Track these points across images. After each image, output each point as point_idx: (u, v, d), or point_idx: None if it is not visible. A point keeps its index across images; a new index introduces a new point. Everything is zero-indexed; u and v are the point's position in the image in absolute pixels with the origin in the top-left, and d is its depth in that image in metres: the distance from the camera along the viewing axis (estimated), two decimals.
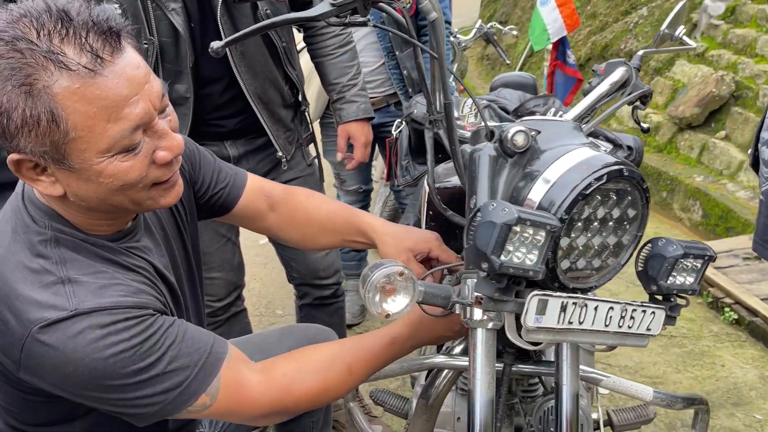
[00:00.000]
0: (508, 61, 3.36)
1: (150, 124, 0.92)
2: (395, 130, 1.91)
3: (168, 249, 1.19)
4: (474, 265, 0.90)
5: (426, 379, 1.34)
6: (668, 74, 5.18)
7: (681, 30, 1.44)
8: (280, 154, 1.87)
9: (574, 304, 0.95)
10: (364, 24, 1.03)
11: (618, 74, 1.29)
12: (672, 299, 1.06)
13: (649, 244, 1.06)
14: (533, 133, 1.03)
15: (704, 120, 4.57)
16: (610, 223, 1.00)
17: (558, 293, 0.93)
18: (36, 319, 0.90)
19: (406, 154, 2.03)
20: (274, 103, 1.83)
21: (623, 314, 1.01)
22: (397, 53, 2.50)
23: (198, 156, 1.29)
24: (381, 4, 1.00)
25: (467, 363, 1.23)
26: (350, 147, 2.07)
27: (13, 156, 0.89)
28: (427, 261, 1.30)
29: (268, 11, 1.71)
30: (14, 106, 0.83)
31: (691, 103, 4.61)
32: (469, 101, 1.96)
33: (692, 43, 1.43)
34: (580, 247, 0.99)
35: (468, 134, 1.81)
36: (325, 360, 1.11)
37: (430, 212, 1.35)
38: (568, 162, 0.97)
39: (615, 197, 0.98)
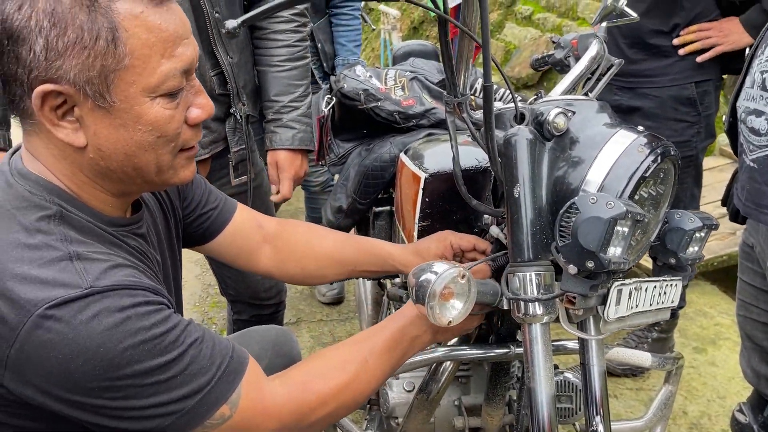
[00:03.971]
0: (374, 27, 3.29)
1: (191, 73, 0.86)
2: (326, 107, 1.77)
3: (161, 255, 1.02)
4: (575, 263, 0.85)
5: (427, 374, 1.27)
6: (500, 36, 5.47)
7: (622, 2, 1.48)
8: None
9: (638, 289, 0.95)
10: None
11: (594, 49, 1.29)
12: (688, 269, 1.11)
13: (665, 218, 1.08)
14: (570, 114, 0.99)
15: (538, 79, 4.91)
16: (649, 202, 1.01)
17: (632, 280, 0.92)
18: (41, 299, 0.74)
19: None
20: None
21: (661, 291, 1.03)
22: (311, 24, 2.31)
23: None
24: None
25: (477, 353, 1.20)
26: None
27: (45, 86, 0.76)
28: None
29: None
30: (71, 19, 0.74)
31: (526, 64, 4.92)
32: (392, 72, 1.88)
33: (633, 14, 1.47)
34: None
35: (405, 109, 1.74)
36: (342, 356, 1.01)
37: (426, 199, 1.27)
38: (619, 144, 0.94)
39: (662, 176, 0.98)
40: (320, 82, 2.45)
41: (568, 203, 0.86)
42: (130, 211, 0.96)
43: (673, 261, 1.09)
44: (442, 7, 0.95)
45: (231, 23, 0.82)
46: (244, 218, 1.23)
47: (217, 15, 1.51)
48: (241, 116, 1.64)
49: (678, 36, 2.00)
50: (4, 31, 0.75)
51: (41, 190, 0.83)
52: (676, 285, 1.08)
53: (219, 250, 1.20)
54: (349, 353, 1.01)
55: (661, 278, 1.04)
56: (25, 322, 0.74)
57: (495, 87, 1.79)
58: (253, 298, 1.86)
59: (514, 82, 4.92)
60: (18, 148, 0.90)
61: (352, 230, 2.01)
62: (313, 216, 2.80)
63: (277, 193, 1.74)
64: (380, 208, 1.83)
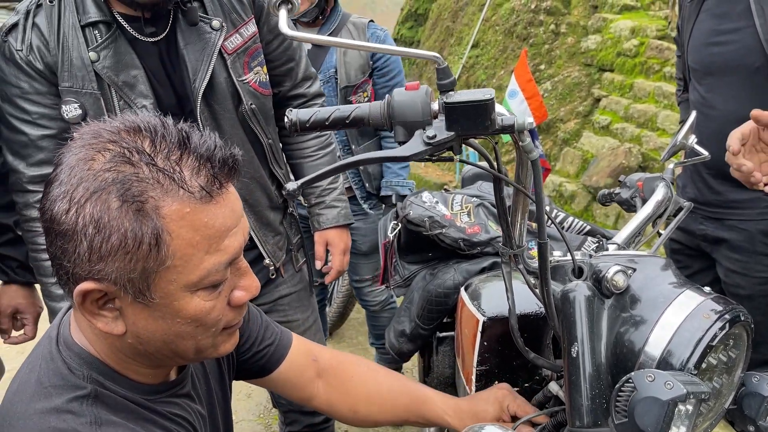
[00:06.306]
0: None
1: (238, 259, 0.83)
2: (391, 233, 1.80)
3: (209, 404, 1.02)
4: None
5: None
6: (577, 145, 5.47)
7: (693, 140, 1.46)
8: (267, 261, 1.69)
9: None
10: (450, 159, 0.93)
11: (661, 193, 1.27)
12: None
13: (742, 380, 1.01)
14: (630, 271, 0.96)
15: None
16: (721, 368, 0.95)
17: None
18: None
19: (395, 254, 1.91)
20: (261, 205, 1.67)
21: None
22: (353, 147, 2.42)
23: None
24: (471, 140, 0.91)
25: None
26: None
27: (86, 285, 0.76)
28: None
29: (253, 105, 1.58)
30: (117, 226, 0.73)
31: (603, 174, 4.87)
32: (459, 198, 1.90)
33: (704, 152, 1.44)
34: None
35: (470, 237, 1.75)
36: None
37: (485, 343, 1.24)
38: (683, 308, 0.90)
39: (732, 342, 0.92)
40: (361, 202, 2.51)
41: (624, 378, 0.82)
42: (176, 371, 0.95)
43: (752, 429, 1.00)
44: (496, 166, 0.97)
45: (291, 185, 0.85)
46: (300, 352, 1.21)
47: (270, 141, 1.65)
48: (295, 211, 1.82)
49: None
50: (52, 227, 0.76)
51: (81, 364, 0.83)
52: None
53: (273, 384, 1.20)
54: None
55: None
56: None
57: (563, 216, 1.78)
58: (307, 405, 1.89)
59: (591, 191, 4.87)
60: (71, 307, 0.90)
61: (416, 355, 1.98)
62: (376, 333, 2.79)
63: (323, 271, 1.89)
64: (444, 334, 1.80)
